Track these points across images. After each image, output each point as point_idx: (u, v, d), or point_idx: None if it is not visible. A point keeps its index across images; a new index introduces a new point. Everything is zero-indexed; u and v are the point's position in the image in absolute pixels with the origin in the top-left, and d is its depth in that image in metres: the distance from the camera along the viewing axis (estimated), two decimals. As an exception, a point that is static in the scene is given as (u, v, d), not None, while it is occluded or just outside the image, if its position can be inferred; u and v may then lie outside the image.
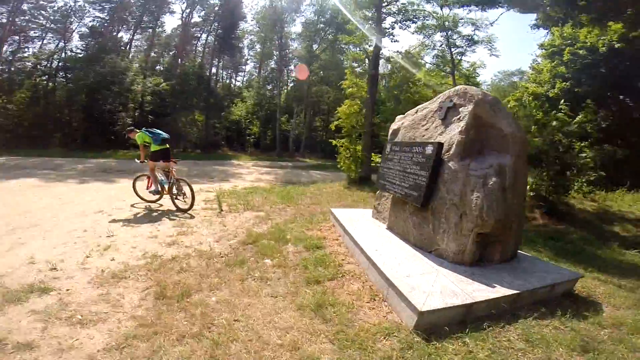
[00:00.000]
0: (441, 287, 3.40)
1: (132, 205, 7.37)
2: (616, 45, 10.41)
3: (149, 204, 7.59)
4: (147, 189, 7.52)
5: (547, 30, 13.67)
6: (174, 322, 3.01)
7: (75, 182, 10.22)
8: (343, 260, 4.62)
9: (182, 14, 30.17)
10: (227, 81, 38.84)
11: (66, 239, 5.02)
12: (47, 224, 5.74)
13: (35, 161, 14.40)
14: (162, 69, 29.15)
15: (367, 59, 12.56)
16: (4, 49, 23.77)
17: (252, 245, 5.15)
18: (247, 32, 32.65)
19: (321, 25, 28.03)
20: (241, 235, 5.69)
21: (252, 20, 31.33)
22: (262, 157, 24.21)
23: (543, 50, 13.52)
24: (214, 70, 31.68)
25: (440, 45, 15.33)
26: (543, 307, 3.49)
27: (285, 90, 32.27)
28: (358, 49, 13.68)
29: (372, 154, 12.00)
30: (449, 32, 14.08)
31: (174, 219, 6.50)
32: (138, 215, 6.70)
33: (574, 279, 4.14)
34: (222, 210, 7.34)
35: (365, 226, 5.39)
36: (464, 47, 14.54)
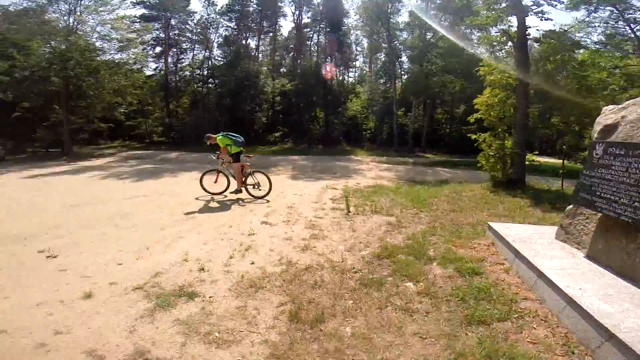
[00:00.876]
0: None
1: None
2: None
3: (215, 196, 8.11)
4: (215, 182, 8.13)
5: None
6: (306, 357, 2.52)
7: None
8: (516, 294, 3.37)
9: (293, 16, 31.95)
10: (340, 78, 39.51)
11: (215, 235, 5.36)
12: (200, 217, 6.37)
13: (196, 156, 17.42)
14: (285, 70, 31.57)
15: (510, 42, 10.06)
16: (169, 60, 29.74)
17: (388, 261, 4.38)
18: (352, 28, 32.19)
19: (432, 12, 25.16)
20: (374, 245, 5.01)
21: (355, 15, 30.70)
22: (380, 152, 23.15)
23: None
24: (327, 68, 32.70)
25: (611, 23, 11.17)
26: None
27: (400, 83, 30.34)
28: (494, 31, 11.16)
29: (527, 152, 9.58)
30: (622, 6, 9.99)
31: (307, 218, 6.39)
32: (275, 213, 6.86)
33: None
34: (349, 212, 6.87)
35: (548, 251, 3.92)
36: None
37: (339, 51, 32.30)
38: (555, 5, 10.06)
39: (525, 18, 9.89)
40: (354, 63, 39.58)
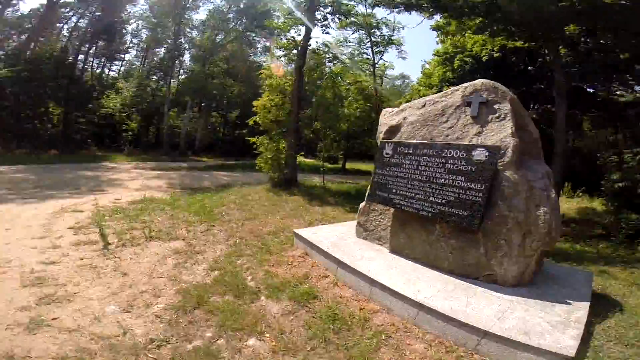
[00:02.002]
0: (556, 322, 2.47)
1: None
2: (495, 55, 12.08)
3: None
4: None
5: (443, 36, 14.92)
6: None
7: None
8: (363, 309, 3.08)
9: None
10: (99, 70, 30.16)
11: None
12: None
13: None
14: (3, 53, 19.91)
15: (295, 49, 10.97)
16: None
17: (201, 312, 2.99)
18: (134, 17, 25.94)
19: (232, 15, 24.74)
20: (167, 290, 3.38)
21: (143, 4, 25.06)
22: (146, 158, 18.78)
23: (437, 57, 14.90)
24: (81, 57, 24.51)
25: (360, 42, 15.10)
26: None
27: (176, 82, 27.13)
28: (283, 38, 11.91)
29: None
30: (372, 30, 13.91)
31: (25, 268, 3.53)
32: None
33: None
34: (109, 245, 4.56)
35: (359, 252, 3.94)
36: (383, 47, 14.66)
37: (106, 40, 24.65)
38: (340, 20, 11.91)
39: (312, 30, 10.91)
40: (122, 55, 31.22)
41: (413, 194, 3.71)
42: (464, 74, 13.11)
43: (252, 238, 5.17)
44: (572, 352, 2.14)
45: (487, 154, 3.15)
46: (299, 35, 11.01)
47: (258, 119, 9.73)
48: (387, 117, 4.43)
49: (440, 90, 13.78)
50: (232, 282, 3.53)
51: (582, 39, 9.44)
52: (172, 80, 25.47)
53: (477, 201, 3.14)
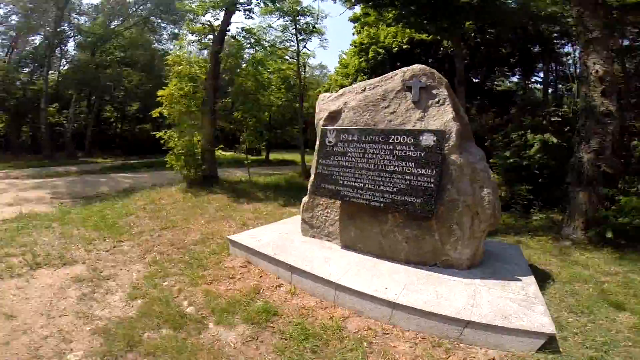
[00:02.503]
0: (520, 300, 2.50)
1: None
2: (403, 46, 12.95)
3: None
4: None
5: (360, 27, 14.94)
6: None
7: None
8: (332, 318, 2.78)
9: None
10: None
11: None
12: None
13: None
14: None
15: (212, 34, 9.71)
16: None
17: (135, 355, 2.30)
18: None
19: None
20: (80, 333, 2.56)
21: None
22: (19, 164, 14.33)
23: (354, 48, 15.09)
24: None
25: (284, 29, 14.20)
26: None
27: (58, 73, 21.70)
28: (197, 22, 10.32)
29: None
30: (298, 18, 13.20)
31: None
32: None
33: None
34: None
35: (311, 253, 3.62)
36: (307, 36, 14.05)
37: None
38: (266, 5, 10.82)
39: (233, 14, 9.82)
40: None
41: (362, 184, 3.51)
42: (376, 64, 13.67)
43: (176, 251, 4.36)
44: (552, 329, 2.26)
45: (434, 138, 3.13)
46: (217, 20, 9.86)
47: (165, 110, 8.36)
48: (326, 103, 4.12)
49: (355, 80, 14.22)
50: (165, 312, 2.82)
51: (472, 34, 10.79)
52: (50, 72, 20.60)
53: (429, 187, 3.10)
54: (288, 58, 15.61)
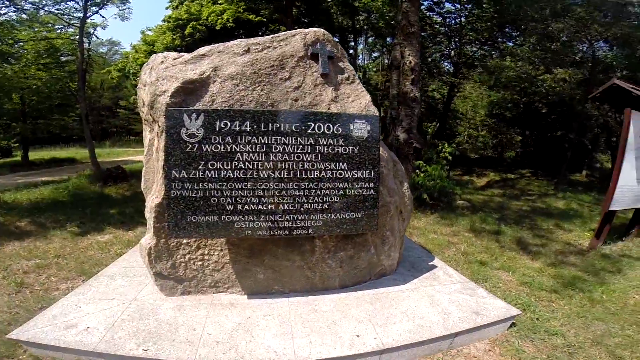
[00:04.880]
0: (467, 292, 2.40)
1: None
2: (229, 25, 11.66)
3: None
4: None
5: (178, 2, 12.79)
6: None
7: None
8: None
9: None
10: None
11: None
12: None
13: None
14: None
15: None
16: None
17: None
18: None
19: None
20: None
21: None
22: None
23: (166, 23, 12.40)
24: None
25: None
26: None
27: None
28: None
29: None
30: None
31: None
32: None
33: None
34: None
35: (211, 326, 2.12)
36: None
37: None
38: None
39: None
40: None
41: (271, 206, 2.24)
42: (194, 41, 12.21)
43: None
44: (518, 310, 2.43)
45: (368, 128, 2.37)
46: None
47: None
48: (173, 67, 2.38)
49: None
50: None
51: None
52: None
53: (369, 195, 2.37)
54: (61, 26, 10.31)
